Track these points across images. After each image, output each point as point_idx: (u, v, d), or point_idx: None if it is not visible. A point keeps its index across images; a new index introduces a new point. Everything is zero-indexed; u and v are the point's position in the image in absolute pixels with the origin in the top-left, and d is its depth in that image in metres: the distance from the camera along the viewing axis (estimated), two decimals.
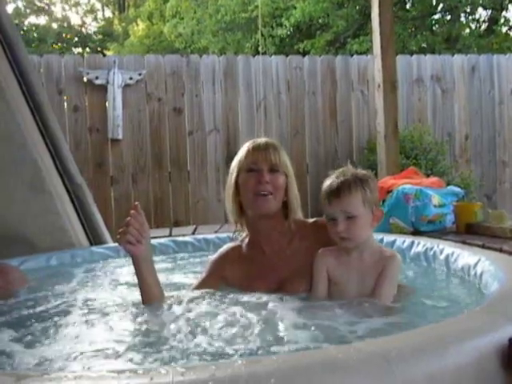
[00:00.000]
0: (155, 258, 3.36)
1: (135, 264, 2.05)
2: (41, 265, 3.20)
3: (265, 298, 2.03)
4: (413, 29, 11.48)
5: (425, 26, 11.48)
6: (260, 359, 1.26)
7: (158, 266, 3.09)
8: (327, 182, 2.05)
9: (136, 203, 2.07)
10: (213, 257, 2.37)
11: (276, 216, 2.21)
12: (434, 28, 11.83)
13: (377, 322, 1.77)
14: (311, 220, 2.31)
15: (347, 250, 2.06)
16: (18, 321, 2.05)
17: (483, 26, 12.34)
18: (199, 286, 2.26)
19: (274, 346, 1.55)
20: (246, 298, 2.05)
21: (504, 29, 11.95)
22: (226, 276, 2.25)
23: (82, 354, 1.61)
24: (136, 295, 2.31)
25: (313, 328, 1.69)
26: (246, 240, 2.32)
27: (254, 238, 2.27)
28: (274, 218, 2.21)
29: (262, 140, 2.27)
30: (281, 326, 1.73)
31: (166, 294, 2.17)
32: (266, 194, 2.15)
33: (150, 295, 2.08)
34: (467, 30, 12.01)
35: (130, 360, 1.54)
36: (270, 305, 1.94)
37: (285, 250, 2.21)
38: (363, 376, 1.17)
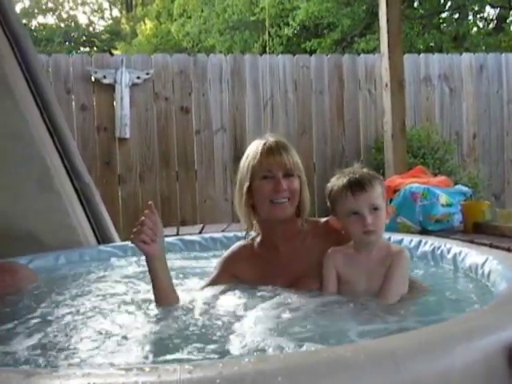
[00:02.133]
0: None
1: (149, 263, 2.05)
2: (49, 263, 3.21)
3: (277, 295, 2.03)
4: (420, 27, 11.45)
5: (432, 24, 11.45)
6: (267, 357, 1.27)
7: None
8: (341, 179, 2.04)
9: (150, 202, 2.07)
10: (224, 255, 2.37)
11: (291, 217, 2.21)
12: (441, 27, 11.80)
13: (385, 320, 1.77)
14: (323, 219, 2.31)
15: (356, 248, 2.07)
16: (28, 318, 2.06)
17: (491, 25, 12.29)
18: (210, 284, 2.26)
19: (282, 344, 1.55)
20: (257, 295, 2.05)
21: None
22: (238, 274, 2.25)
23: (90, 350, 1.62)
24: (145, 293, 2.33)
25: (321, 326, 1.70)
26: (258, 239, 2.31)
27: (268, 238, 2.27)
28: (289, 220, 2.21)
29: (272, 141, 2.21)
30: (290, 324, 1.73)
31: (177, 292, 2.18)
32: (284, 202, 2.15)
33: (164, 293, 2.08)
34: (475, 29, 11.96)
35: (138, 357, 1.54)
36: (282, 303, 1.95)
37: (298, 249, 2.21)
38: (371, 375, 1.17)
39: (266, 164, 2.16)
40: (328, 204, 2.12)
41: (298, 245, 2.23)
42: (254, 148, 2.23)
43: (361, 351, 1.23)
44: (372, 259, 2.04)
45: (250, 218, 2.26)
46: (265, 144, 2.20)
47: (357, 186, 1.99)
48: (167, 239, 3.72)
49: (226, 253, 2.37)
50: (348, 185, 2.01)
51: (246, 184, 2.19)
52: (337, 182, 2.06)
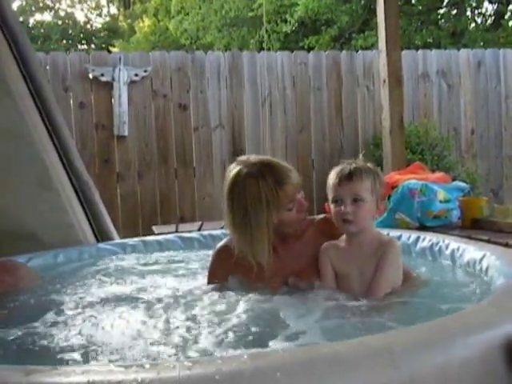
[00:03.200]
0: (162, 254, 3.40)
1: None
2: (48, 262, 3.21)
3: (274, 293, 2.03)
4: (418, 23, 11.44)
5: (430, 20, 11.43)
6: (266, 353, 1.27)
7: (164, 263, 3.11)
8: (338, 168, 2.07)
9: None
10: (217, 251, 2.32)
11: None
12: (439, 23, 11.78)
13: (383, 316, 1.77)
14: (319, 216, 2.32)
15: (348, 242, 2.08)
16: (27, 316, 2.06)
17: (489, 21, 12.28)
18: (209, 281, 2.26)
19: (281, 341, 1.56)
20: (255, 293, 2.05)
21: (510, 23, 11.89)
22: (234, 271, 2.23)
23: (90, 348, 1.63)
24: (144, 290, 2.34)
25: (319, 322, 1.70)
26: None
27: None
28: None
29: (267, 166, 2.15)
30: (288, 321, 1.74)
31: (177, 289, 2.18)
32: (304, 216, 2.17)
33: None
34: (473, 25, 11.95)
35: (138, 354, 1.55)
36: (279, 301, 1.96)
37: (296, 248, 2.22)
38: (369, 370, 1.18)
39: (289, 194, 2.11)
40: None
41: (295, 244, 2.22)
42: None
43: (359, 347, 1.24)
44: (364, 252, 2.06)
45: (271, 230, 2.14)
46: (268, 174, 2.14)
47: (345, 174, 2.02)
48: (166, 236, 3.74)
49: (219, 248, 2.31)
50: (338, 173, 2.04)
51: (273, 216, 2.09)
52: (334, 170, 2.09)
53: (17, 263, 2.84)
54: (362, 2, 11.01)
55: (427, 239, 2.84)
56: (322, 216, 2.30)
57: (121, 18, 19.12)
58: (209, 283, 2.26)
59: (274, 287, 2.09)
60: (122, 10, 19.20)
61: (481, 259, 2.30)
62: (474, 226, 3.34)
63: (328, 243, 2.14)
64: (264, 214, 2.07)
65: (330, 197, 2.08)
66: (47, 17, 19.15)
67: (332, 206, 2.06)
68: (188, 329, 1.75)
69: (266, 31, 10.80)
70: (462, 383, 1.28)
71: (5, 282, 2.53)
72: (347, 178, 2.01)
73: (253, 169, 2.10)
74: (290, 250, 2.21)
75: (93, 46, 18.41)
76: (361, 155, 2.17)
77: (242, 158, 2.19)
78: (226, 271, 2.23)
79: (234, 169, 2.14)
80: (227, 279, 2.21)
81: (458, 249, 2.57)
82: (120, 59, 6.33)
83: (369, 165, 2.09)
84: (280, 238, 2.20)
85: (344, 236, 2.13)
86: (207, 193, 6.56)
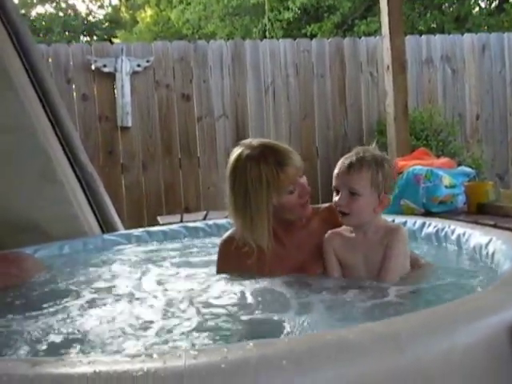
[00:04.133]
0: (167, 244, 3.40)
1: None
2: (54, 253, 3.22)
3: (279, 283, 2.03)
4: (422, 8, 11.36)
5: (434, 5, 11.34)
6: (272, 341, 1.27)
7: (170, 252, 3.12)
8: (345, 156, 2.05)
9: None
10: (223, 241, 2.31)
11: None
12: (443, 7, 11.69)
13: (388, 301, 1.77)
14: (324, 205, 2.31)
15: (354, 231, 2.06)
16: (34, 308, 2.07)
17: (493, 4, 12.18)
18: (218, 271, 2.25)
19: (286, 329, 1.56)
20: (261, 282, 2.04)
21: None
22: (240, 262, 2.21)
23: (96, 338, 1.63)
24: (150, 281, 2.34)
25: (325, 309, 1.70)
26: None
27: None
28: None
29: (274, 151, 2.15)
30: (294, 310, 1.74)
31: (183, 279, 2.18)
32: (308, 203, 2.16)
33: None
34: (477, 9, 11.86)
35: (144, 344, 1.56)
36: (285, 290, 1.95)
37: (300, 238, 2.20)
38: (375, 357, 1.18)
39: (291, 177, 2.10)
40: None
41: (300, 234, 2.21)
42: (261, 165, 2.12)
43: (364, 333, 1.24)
44: (369, 241, 2.03)
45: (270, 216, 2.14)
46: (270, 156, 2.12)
47: (344, 165, 2.00)
48: (171, 226, 3.74)
49: (225, 239, 2.29)
50: (341, 162, 2.03)
51: (273, 202, 2.09)
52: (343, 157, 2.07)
53: (23, 254, 2.85)
54: None
55: (433, 225, 2.83)
56: (326, 205, 2.28)
57: (122, 8, 19.06)
58: (217, 273, 2.26)
59: (280, 276, 2.08)
60: (123, 0, 19.14)
61: (487, 244, 2.29)
62: (479, 211, 3.34)
63: (332, 232, 2.11)
64: (264, 195, 2.06)
65: None
66: (49, 9, 19.11)
67: (333, 196, 2.04)
68: (194, 319, 1.75)
69: (269, 19, 10.75)
70: (467, 368, 1.28)
71: (11, 274, 2.54)
72: (345, 169, 1.99)
73: (254, 151, 2.10)
74: (294, 240, 2.20)
75: (95, 37, 18.36)
76: (374, 144, 2.12)
77: (245, 141, 2.20)
78: (232, 261, 2.22)
79: (236, 151, 2.16)
80: (234, 269, 2.20)
81: (463, 234, 2.56)
82: (122, 50, 6.32)
83: (378, 155, 2.04)
84: (284, 227, 2.19)
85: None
86: (212, 182, 6.56)
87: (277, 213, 2.11)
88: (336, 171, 2.03)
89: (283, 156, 2.09)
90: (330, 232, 2.12)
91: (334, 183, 2.03)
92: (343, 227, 2.11)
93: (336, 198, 2.01)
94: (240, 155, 2.12)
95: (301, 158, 2.17)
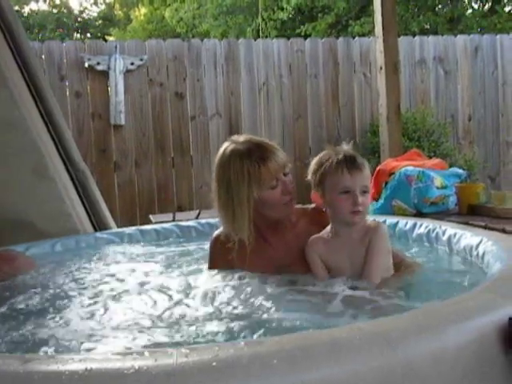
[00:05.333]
0: (159, 243, 3.40)
1: None
2: (46, 251, 3.21)
3: (268, 283, 2.03)
4: (415, 10, 11.38)
5: (427, 6, 11.38)
6: (263, 340, 1.28)
7: (162, 250, 3.12)
8: (333, 155, 2.02)
9: None
10: (213, 239, 2.31)
11: None
12: (436, 9, 11.72)
13: (378, 302, 1.78)
14: (311, 206, 2.30)
15: (335, 232, 2.05)
16: (25, 305, 2.07)
17: (486, 6, 12.22)
18: (209, 268, 2.26)
19: (277, 328, 1.56)
20: (251, 281, 2.05)
21: (507, 8, 11.83)
22: (232, 260, 2.22)
23: (87, 336, 1.63)
24: (142, 279, 2.34)
25: (314, 309, 1.71)
26: None
27: (257, 229, 2.20)
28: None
29: (252, 145, 2.14)
30: (285, 308, 1.74)
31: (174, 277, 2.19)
32: (292, 201, 2.15)
33: None
34: (470, 11, 11.90)
35: (136, 341, 1.56)
36: (275, 287, 1.96)
37: (287, 238, 2.20)
38: (365, 356, 1.19)
39: (273, 172, 2.09)
40: (309, 178, 2.09)
41: (286, 234, 2.21)
42: (243, 161, 2.12)
43: (355, 333, 1.24)
44: (352, 241, 2.02)
45: (250, 215, 2.14)
46: (252, 152, 2.13)
47: (353, 164, 1.98)
48: (163, 225, 3.74)
49: (214, 239, 2.30)
50: (344, 161, 1.98)
51: (253, 196, 2.09)
52: (328, 156, 2.03)
53: (14, 252, 2.84)
54: None
55: (424, 226, 2.85)
56: (313, 205, 2.28)
57: (116, 6, 19.00)
58: (208, 269, 2.26)
59: (268, 277, 2.08)
60: None
61: (477, 245, 2.31)
62: (470, 212, 3.35)
63: (314, 237, 2.10)
64: (245, 188, 2.08)
65: (333, 186, 2.00)
66: (42, 6, 19.03)
67: (340, 198, 1.98)
68: (185, 317, 1.76)
69: (263, 19, 10.75)
70: (457, 368, 1.29)
71: (2, 271, 2.54)
72: (356, 167, 1.97)
73: (240, 146, 2.13)
74: (281, 241, 2.19)
75: (88, 35, 18.30)
76: (344, 143, 2.12)
77: (234, 136, 2.23)
78: (218, 258, 2.24)
79: (223, 146, 2.20)
80: (221, 265, 2.21)
81: (454, 235, 2.57)
82: (116, 48, 6.31)
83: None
84: (271, 227, 2.20)
85: (328, 228, 2.09)
86: (204, 181, 6.55)
87: (260, 209, 2.13)
88: (344, 172, 1.97)
89: (267, 151, 2.11)
90: (312, 238, 2.11)
91: (343, 184, 1.97)
92: (324, 230, 2.11)
93: (360, 200, 1.96)
94: (226, 149, 2.16)
95: (287, 157, 2.17)
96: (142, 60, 6.41)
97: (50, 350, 1.54)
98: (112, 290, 2.23)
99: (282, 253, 2.18)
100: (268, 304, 1.78)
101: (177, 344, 1.52)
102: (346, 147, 2.08)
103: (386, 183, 3.63)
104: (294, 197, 2.17)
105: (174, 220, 4.77)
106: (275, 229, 2.21)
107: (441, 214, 3.39)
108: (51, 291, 2.27)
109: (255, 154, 2.09)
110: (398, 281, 2.01)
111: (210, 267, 2.28)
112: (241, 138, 2.19)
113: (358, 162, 1.99)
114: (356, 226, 2.03)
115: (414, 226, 2.91)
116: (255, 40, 7.16)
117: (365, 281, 1.95)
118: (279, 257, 2.17)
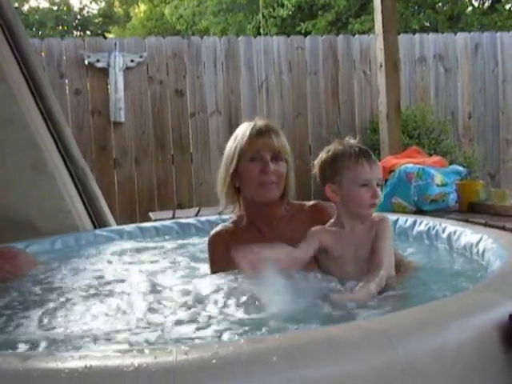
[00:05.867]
0: (159, 240, 3.40)
1: None
2: (45, 248, 3.21)
3: (267, 280, 2.02)
4: (415, 7, 11.38)
5: (427, 4, 11.37)
6: (262, 338, 1.28)
7: (162, 248, 3.12)
8: (345, 148, 2.01)
9: None
10: (211, 239, 2.31)
11: (276, 200, 2.20)
12: (436, 6, 11.72)
13: (378, 299, 1.78)
14: (310, 203, 2.30)
15: (341, 225, 2.03)
16: (25, 303, 2.07)
17: (486, 4, 12.21)
18: (211, 268, 2.25)
19: (277, 325, 1.56)
20: (250, 280, 2.04)
21: (508, 6, 11.82)
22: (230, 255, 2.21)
23: (88, 333, 1.63)
24: (142, 277, 2.34)
25: (313, 307, 1.71)
26: (243, 223, 2.27)
27: (252, 222, 2.24)
28: (273, 204, 2.20)
29: (261, 123, 2.20)
30: (284, 305, 1.74)
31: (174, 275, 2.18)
32: (271, 184, 2.14)
33: None
34: (470, 8, 11.89)
35: (136, 339, 1.56)
36: (273, 284, 1.95)
37: (283, 233, 2.17)
38: (365, 354, 1.18)
39: (254, 145, 2.14)
40: (317, 172, 2.09)
41: (283, 228, 2.20)
42: (242, 130, 2.21)
43: (355, 331, 1.24)
44: (357, 235, 2.00)
45: (234, 200, 2.24)
46: (254, 126, 2.19)
47: (370, 156, 1.98)
48: (163, 222, 3.74)
49: (212, 237, 2.30)
50: (362, 153, 1.97)
51: (233, 165, 2.17)
52: (343, 149, 2.01)
53: (15, 250, 2.84)
54: None
55: (424, 223, 2.85)
56: (312, 202, 2.28)
57: (116, 3, 18.98)
58: (211, 270, 2.26)
59: (264, 274, 2.07)
60: None
61: (477, 242, 2.31)
62: (470, 210, 3.36)
63: (319, 227, 2.07)
64: (231, 152, 2.19)
65: (351, 179, 1.97)
66: (42, 3, 19.03)
67: (359, 190, 1.95)
68: (185, 314, 1.76)
69: (263, 16, 10.73)
70: (457, 366, 1.29)
71: (3, 270, 2.53)
72: (373, 161, 1.97)
73: (251, 121, 2.23)
74: (278, 234, 2.17)
75: (88, 32, 18.29)
76: (348, 137, 2.12)
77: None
78: (220, 255, 2.23)
79: None
80: (223, 263, 2.20)
81: (454, 232, 2.57)
82: (115, 45, 6.29)
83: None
84: (261, 215, 2.21)
85: (332, 221, 2.08)
86: (204, 179, 6.55)
87: (240, 185, 2.20)
88: (364, 165, 1.96)
89: (264, 129, 2.17)
90: (316, 227, 2.07)
91: (364, 177, 1.95)
92: (327, 224, 2.09)
93: (379, 192, 1.96)
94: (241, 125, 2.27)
95: (284, 148, 2.20)
96: (141, 57, 6.40)
97: (50, 347, 1.53)
98: (111, 287, 2.23)
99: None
100: (266, 303, 1.77)
101: (176, 342, 1.52)
102: (353, 141, 2.07)
103: (386, 181, 3.63)
104: (279, 186, 2.17)
105: (173, 217, 4.77)
106: (269, 220, 2.21)
107: (441, 212, 3.40)
108: (51, 289, 2.27)
109: (255, 127, 2.18)
110: (402, 282, 1.99)
111: (210, 264, 2.28)
112: (259, 119, 2.26)
113: (370, 156, 1.99)
114: (367, 219, 2.01)
115: (414, 223, 2.91)
116: (255, 37, 7.16)
117: (370, 276, 1.91)
118: None
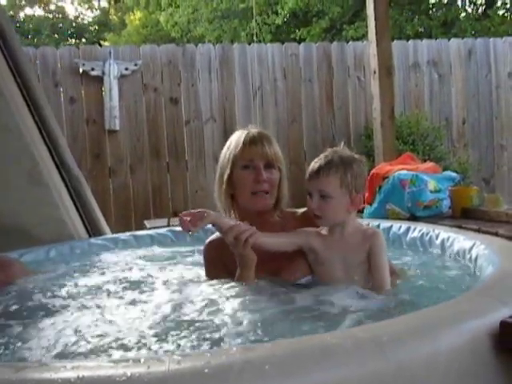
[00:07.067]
0: (154, 249, 3.39)
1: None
2: (40, 257, 3.21)
3: (259, 288, 2.03)
4: (409, 13, 11.43)
5: (421, 10, 11.42)
6: (255, 346, 1.28)
7: (157, 257, 3.12)
8: (315, 160, 2.08)
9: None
10: (206, 247, 2.33)
11: (270, 208, 2.22)
12: (430, 12, 11.77)
13: (370, 306, 1.78)
14: (301, 210, 2.31)
15: (329, 231, 2.06)
16: (19, 313, 2.06)
17: (480, 10, 12.28)
18: (208, 276, 2.26)
19: (269, 334, 1.56)
20: (244, 288, 2.04)
21: (501, 12, 11.89)
22: (227, 264, 2.21)
23: (81, 343, 1.63)
24: (136, 285, 2.34)
25: (307, 314, 1.71)
26: None
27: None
28: (267, 211, 2.22)
29: (254, 131, 2.24)
30: (277, 315, 1.74)
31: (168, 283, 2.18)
32: (263, 193, 2.16)
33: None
34: (463, 14, 11.95)
35: (128, 349, 1.56)
36: (266, 295, 1.95)
37: None
38: (357, 361, 1.19)
39: (247, 153, 2.17)
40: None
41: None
42: (236, 138, 2.25)
43: (347, 338, 1.25)
44: (348, 242, 2.03)
45: (229, 207, 2.26)
46: (247, 134, 2.23)
47: (313, 171, 2.03)
48: (158, 231, 3.74)
49: (208, 244, 2.33)
50: (310, 167, 2.06)
51: (227, 173, 2.20)
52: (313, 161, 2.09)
53: (10, 259, 2.83)
54: None
55: (417, 229, 2.86)
56: (303, 210, 2.29)
57: (111, 11, 19.02)
58: (205, 277, 2.27)
59: (258, 282, 2.07)
60: (112, 3, 19.10)
61: (470, 248, 2.32)
62: (464, 216, 3.37)
63: (310, 228, 2.11)
64: (226, 159, 2.23)
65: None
66: (37, 11, 19.03)
67: (307, 199, 2.06)
68: (178, 323, 1.76)
69: (257, 23, 10.77)
70: (450, 371, 1.29)
71: None
72: (315, 173, 2.02)
73: (245, 129, 2.28)
74: None
75: (83, 40, 18.30)
76: (342, 145, 2.14)
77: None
78: (216, 264, 2.24)
79: None
80: (219, 271, 2.21)
81: (447, 238, 2.58)
82: (110, 53, 6.30)
83: (346, 156, 2.05)
84: (254, 222, 2.17)
85: (327, 228, 2.10)
86: (200, 186, 6.55)
87: (234, 193, 2.22)
88: (306, 175, 2.06)
89: (257, 138, 2.21)
90: (307, 228, 2.12)
91: (306, 187, 2.05)
92: (319, 229, 2.12)
93: (313, 204, 2.02)
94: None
95: (277, 156, 2.23)
96: (136, 65, 6.41)
97: (44, 359, 1.53)
98: (105, 297, 2.23)
99: (269, 255, 2.12)
100: (261, 311, 1.77)
101: (170, 351, 1.52)
102: (339, 149, 2.11)
103: (380, 187, 3.65)
104: (272, 194, 2.20)
105: (168, 225, 4.77)
106: (262, 227, 2.18)
107: (434, 218, 3.41)
108: (45, 299, 2.26)
109: (248, 135, 2.21)
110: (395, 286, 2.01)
111: (205, 272, 2.29)
112: (253, 128, 2.31)
113: (319, 167, 2.04)
114: (347, 229, 2.05)
115: (408, 229, 2.92)
116: (249, 44, 7.17)
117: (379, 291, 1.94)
118: (266, 260, 2.10)
